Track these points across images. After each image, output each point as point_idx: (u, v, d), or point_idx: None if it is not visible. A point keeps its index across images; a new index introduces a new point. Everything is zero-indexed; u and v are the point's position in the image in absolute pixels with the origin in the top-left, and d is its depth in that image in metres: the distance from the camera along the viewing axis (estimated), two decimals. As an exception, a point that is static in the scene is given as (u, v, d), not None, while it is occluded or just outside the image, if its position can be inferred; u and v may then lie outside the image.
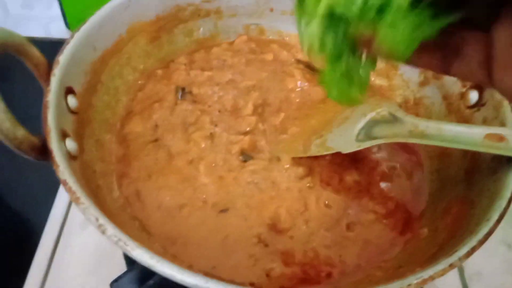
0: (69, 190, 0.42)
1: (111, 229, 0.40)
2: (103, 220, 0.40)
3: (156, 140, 0.61)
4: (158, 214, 0.55)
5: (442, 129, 0.54)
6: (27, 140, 0.43)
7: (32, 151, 0.44)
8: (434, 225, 0.56)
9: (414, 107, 0.69)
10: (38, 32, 1.14)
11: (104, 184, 0.55)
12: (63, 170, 0.43)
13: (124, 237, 0.40)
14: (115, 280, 0.57)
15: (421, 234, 0.56)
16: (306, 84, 0.70)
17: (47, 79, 0.50)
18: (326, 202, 0.57)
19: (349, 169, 0.61)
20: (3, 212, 0.81)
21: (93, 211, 0.41)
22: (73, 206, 0.73)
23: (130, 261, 0.62)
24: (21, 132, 0.42)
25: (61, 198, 0.74)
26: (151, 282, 0.60)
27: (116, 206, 0.54)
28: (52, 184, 0.79)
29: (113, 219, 0.48)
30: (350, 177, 0.60)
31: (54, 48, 1.09)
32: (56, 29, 1.14)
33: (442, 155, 0.62)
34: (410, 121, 0.57)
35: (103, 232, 0.40)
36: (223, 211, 0.55)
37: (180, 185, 0.57)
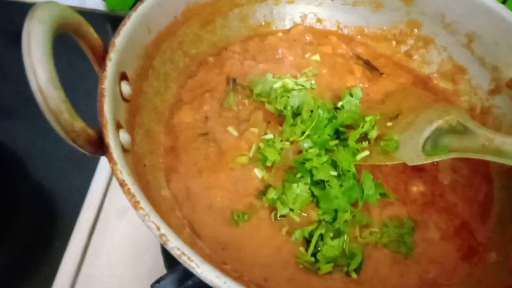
0: (127, 192, 0.38)
1: (174, 240, 0.36)
2: (165, 229, 0.37)
3: (206, 134, 0.57)
4: (209, 215, 0.51)
5: (523, 146, 0.49)
6: (84, 133, 0.39)
7: (88, 145, 0.40)
8: (504, 250, 0.52)
9: (481, 117, 0.64)
10: (72, 1, 1.10)
11: (154, 179, 0.51)
12: (121, 169, 0.39)
13: (188, 251, 0.36)
14: (157, 281, 0.53)
15: (489, 259, 0.52)
16: (365, 83, 0.65)
17: (103, 63, 0.46)
18: (390, 214, 0.53)
19: (413, 178, 0.57)
20: (34, 191, 0.79)
21: (154, 219, 0.37)
22: (109, 194, 0.70)
23: (171, 263, 0.59)
24: (79, 125, 0.38)
25: (97, 185, 0.71)
26: (190, 282, 0.57)
27: (165, 206, 0.51)
28: (88, 162, 0.76)
29: (163, 220, 0.45)
30: (415, 188, 0.56)
31: (88, 19, 1.05)
32: (91, -1, 1.10)
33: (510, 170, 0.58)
34: (484, 134, 0.52)
35: (165, 243, 0.37)
36: (280, 217, 0.52)
37: (232, 186, 0.53)
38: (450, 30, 0.66)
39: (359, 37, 0.71)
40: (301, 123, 0.57)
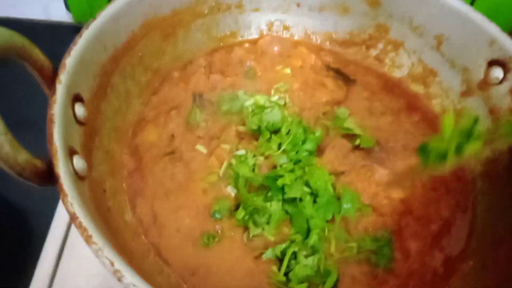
0: (79, 226, 0.36)
1: (129, 276, 0.34)
2: (119, 264, 0.34)
3: (172, 153, 0.55)
4: (177, 239, 0.49)
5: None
6: (29, 165, 0.36)
7: (36, 177, 0.37)
8: (482, 258, 0.50)
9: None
10: (37, 14, 1.06)
11: (115, 205, 0.49)
12: (72, 201, 0.37)
13: (145, 287, 0.33)
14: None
15: (466, 267, 0.50)
16: (339, 95, 0.63)
17: (52, 86, 0.43)
18: (367, 226, 0.52)
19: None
20: (3, 210, 0.75)
21: (108, 254, 0.35)
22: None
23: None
24: (23, 157, 0.36)
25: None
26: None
27: (129, 231, 0.48)
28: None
29: (126, 247, 0.42)
30: (395, 195, 0.54)
31: (53, 31, 1.02)
32: (56, 10, 1.06)
33: (488, 175, 0.57)
34: None
35: (119, 279, 0.34)
36: (253, 237, 0.49)
37: (201, 207, 0.51)
38: (419, 33, 0.64)
39: (327, 43, 0.70)
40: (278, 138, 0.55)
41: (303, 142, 0.54)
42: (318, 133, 0.55)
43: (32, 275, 0.62)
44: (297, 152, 0.53)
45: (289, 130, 0.54)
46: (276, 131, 0.55)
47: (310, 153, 0.54)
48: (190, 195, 0.52)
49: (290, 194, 0.50)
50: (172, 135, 0.56)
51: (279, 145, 0.54)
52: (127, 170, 0.54)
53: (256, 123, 0.55)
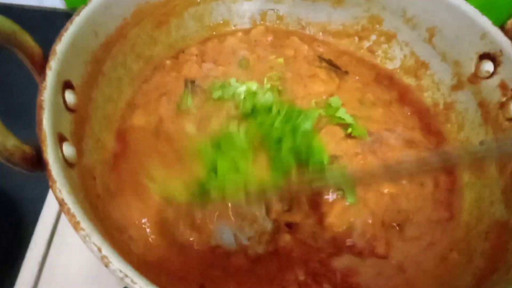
0: (67, 212, 0.36)
1: (116, 262, 0.34)
2: (106, 250, 0.35)
3: (159, 135, 0.55)
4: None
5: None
6: (18, 151, 0.37)
7: (24, 163, 0.37)
8: (469, 251, 0.51)
9: (444, 112, 0.63)
10: (30, 0, 1.06)
11: (105, 192, 0.49)
12: (60, 187, 0.37)
13: (131, 273, 0.34)
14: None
15: (451, 259, 0.51)
16: (333, 86, 0.63)
17: (42, 73, 0.43)
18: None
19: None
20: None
21: (95, 240, 0.35)
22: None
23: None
24: (11, 142, 0.36)
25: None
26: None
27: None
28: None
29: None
30: (386, 190, 0.55)
31: (46, 18, 1.00)
32: (49, -3, 1.05)
33: (476, 168, 0.57)
34: None
35: (106, 265, 0.34)
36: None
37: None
38: (412, 25, 0.65)
39: (321, 34, 0.70)
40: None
41: (298, 119, 0.54)
42: (315, 112, 0.55)
43: (21, 262, 0.62)
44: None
45: (279, 111, 0.54)
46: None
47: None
48: (176, 174, 0.52)
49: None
50: (161, 119, 0.56)
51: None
52: (114, 155, 0.54)
53: (248, 108, 0.55)
